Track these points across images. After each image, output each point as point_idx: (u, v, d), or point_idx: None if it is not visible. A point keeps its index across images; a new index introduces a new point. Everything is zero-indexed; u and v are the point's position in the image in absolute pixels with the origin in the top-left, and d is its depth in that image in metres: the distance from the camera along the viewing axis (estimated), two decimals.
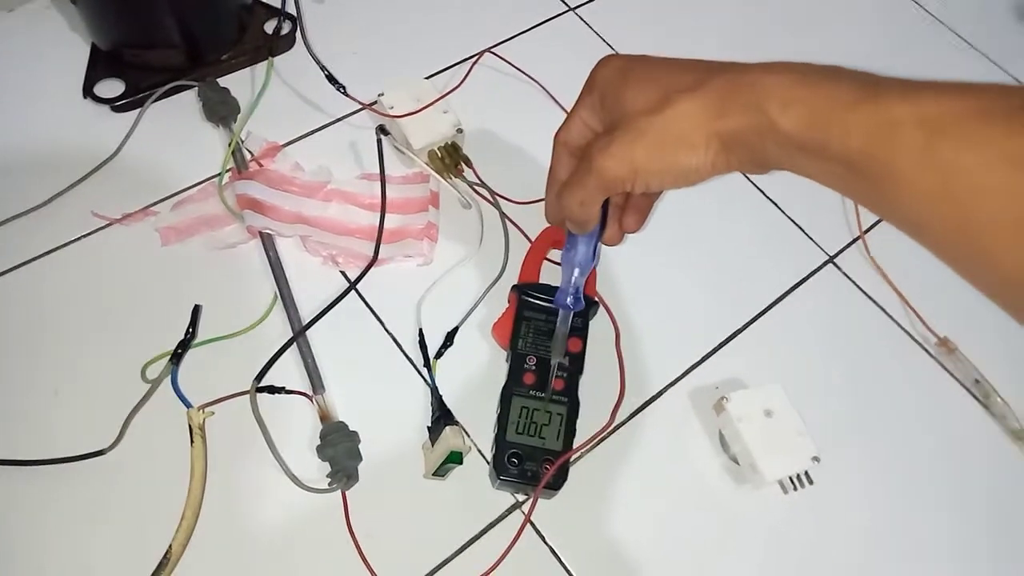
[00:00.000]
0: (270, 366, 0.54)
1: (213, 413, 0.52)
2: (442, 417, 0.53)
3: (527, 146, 0.69)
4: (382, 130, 0.62)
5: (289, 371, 0.55)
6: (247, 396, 0.53)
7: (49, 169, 0.62)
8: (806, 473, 0.54)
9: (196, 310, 0.56)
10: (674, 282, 0.64)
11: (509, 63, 0.74)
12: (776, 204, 0.70)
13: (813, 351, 0.63)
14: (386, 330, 0.59)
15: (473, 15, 0.78)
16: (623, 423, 0.57)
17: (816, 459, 0.53)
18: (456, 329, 0.59)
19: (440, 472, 0.51)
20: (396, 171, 0.65)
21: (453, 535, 0.51)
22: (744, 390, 0.56)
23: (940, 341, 0.63)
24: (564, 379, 0.55)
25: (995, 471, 0.59)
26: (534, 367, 0.55)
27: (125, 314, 0.57)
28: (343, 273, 0.61)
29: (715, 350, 0.61)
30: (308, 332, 0.57)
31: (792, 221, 0.69)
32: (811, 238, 0.68)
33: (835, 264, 0.67)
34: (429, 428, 0.53)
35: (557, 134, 0.44)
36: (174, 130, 0.66)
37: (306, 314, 0.57)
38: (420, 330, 0.58)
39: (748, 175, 0.71)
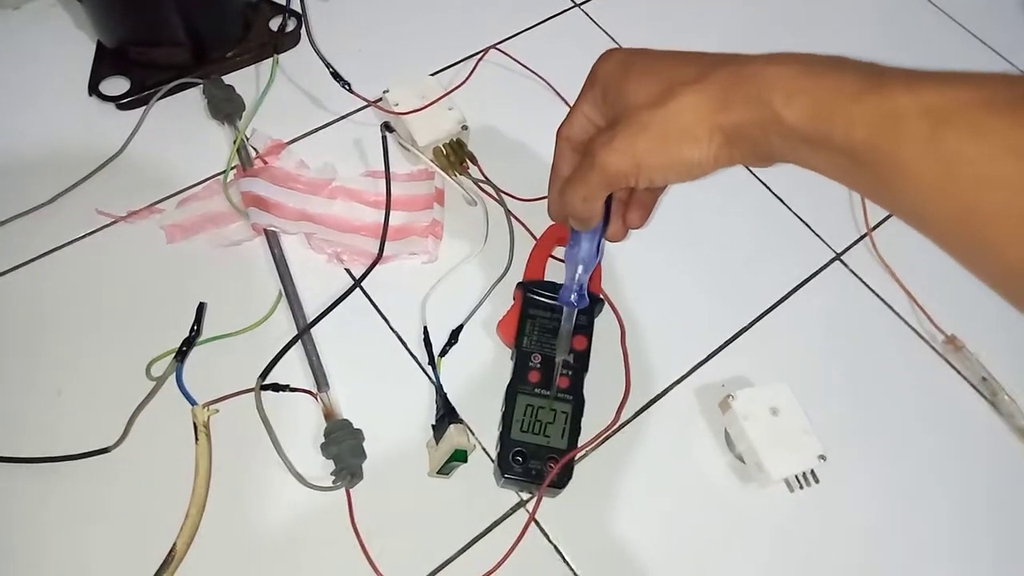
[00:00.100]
0: (274, 364, 0.54)
1: (218, 411, 0.52)
2: (446, 415, 0.52)
3: (532, 143, 0.69)
4: (387, 127, 0.62)
5: (293, 369, 0.55)
6: (252, 394, 0.53)
7: (54, 167, 0.62)
8: (812, 472, 0.53)
9: (201, 308, 0.56)
10: (680, 279, 0.64)
11: (514, 59, 0.74)
12: (783, 201, 0.70)
13: (820, 349, 0.62)
14: (391, 328, 0.59)
15: (478, 12, 0.78)
16: (628, 421, 0.57)
17: (822, 458, 0.53)
18: (461, 327, 0.58)
19: (444, 470, 0.51)
20: (401, 168, 0.64)
21: (457, 533, 0.51)
22: (750, 388, 0.55)
23: (947, 339, 0.63)
24: (569, 377, 0.54)
25: (1002, 469, 0.59)
26: (539, 365, 0.55)
27: (130, 312, 0.57)
28: (348, 271, 0.60)
29: (721, 348, 0.61)
30: (313, 330, 0.56)
31: (799, 218, 0.69)
32: (818, 235, 0.68)
33: (842, 261, 0.67)
34: (433, 426, 0.53)
35: (559, 129, 0.44)
36: (179, 128, 0.66)
37: (311, 311, 0.57)
38: (425, 328, 0.58)
39: (753, 171, 0.71)
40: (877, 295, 0.65)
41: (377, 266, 0.59)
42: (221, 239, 0.60)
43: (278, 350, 0.55)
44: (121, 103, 0.66)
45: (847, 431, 0.58)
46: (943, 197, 0.28)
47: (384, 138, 0.61)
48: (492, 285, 0.60)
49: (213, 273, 0.59)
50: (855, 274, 0.66)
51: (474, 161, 0.65)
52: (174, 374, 0.53)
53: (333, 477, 0.51)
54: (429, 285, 0.60)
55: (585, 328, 0.56)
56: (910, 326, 0.64)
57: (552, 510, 0.52)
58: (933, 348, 0.63)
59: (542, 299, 0.57)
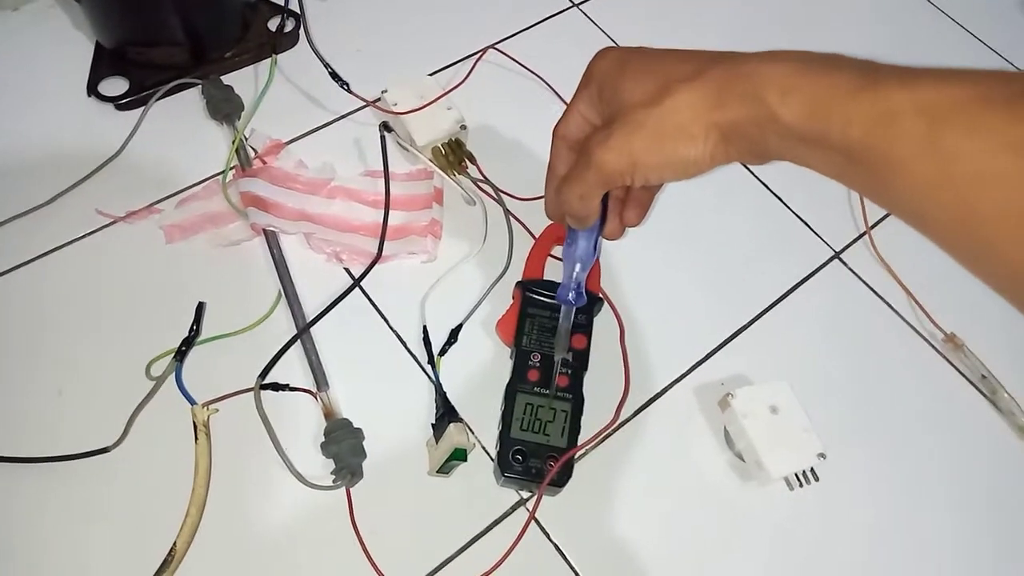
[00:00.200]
0: (274, 363, 0.54)
1: (217, 410, 0.52)
2: (446, 414, 0.52)
3: (531, 142, 0.69)
4: (386, 127, 0.62)
5: (293, 368, 0.55)
6: (251, 393, 0.53)
7: (53, 167, 0.62)
8: (812, 470, 0.54)
9: (200, 307, 0.56)
10: (679, 278, 0.64)
11: (513, 59, 0.74)
12: (781, 200, 0.70)
13: (819, 347, 0.62)
14: (390, 327, 0.59)
15: (476, 12, 0.78)
16: (628, 420, 0.57)
17: (822, 456, 0.53)
18: (460, 326, 0.58)
19: (444, 469, 0.51)
20: (400, 168, 0.64)
21: (457, 532, 0.51)
22: (749, 386, 0.55)
23: (947, 337, 0.63)
24: (568, 376, 0.54)
25: (1002, 467, 0.59)
26: (538, 364, 0.55)
27: (129, 312, 0.57)
28: (347, 270, 0.61)
29: (720, 346, 0.61)
30: (312, 329, 0.57)
31: (798, 217, 0.69)
32: (817, 234, 0.68)
33: (841, 260, 0.67)
34: (433, 425, 0.53)
35: (555, 128, 0.44)
36: (178, 128, 0.66)
37: (310, 311, 0.57)
38: (424, 327, 0.58)
39: (752, 170, 0.71)
40: (876, 293, 0.66)
41: (376, 266, 0.59)
42: (220, 239, 0.60)
43: (277, 350, 0.55)
44: (120, 103, 0.66)
45: (847, 429, 0.58)
46: (940, 195, 0.28)
47: (383, 138, 0.61)
48: (491, 284, 0.61)
49: (212, 273, 0.59)
50: (854, 272, 0.67)
51: (473, 161, 0.65)
52: (174, 374, 0.53)
53: (333, 476, 0.51)
54: (428, 284, 0.60)
55: (584, 327, 0.57)
56: (909, 324, 0.64)
57: (552, 509, 0.52)
58: (933, 346, 0.63)
59: (541, 298, 0.57)
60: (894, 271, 0.66)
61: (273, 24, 0.72)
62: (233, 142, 0.63)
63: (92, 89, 0.67)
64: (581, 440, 0.53)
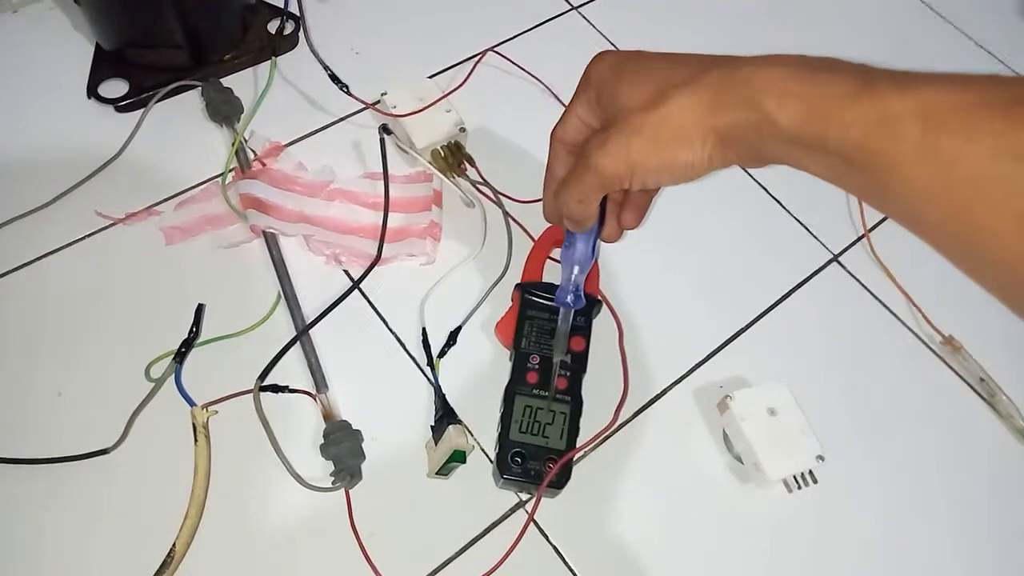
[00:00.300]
0: (273, 365, 0.54)
1: (217, 412, 0.52)
2: (445, 416, 0.53)
3: (530, 145, 0.69)
4: (385, 129, 0.62)
5: (292, 370, 0.55)
6: (251, 395, 0.53)
7: (53, 169, 0.62)
8: (810, 472, 0.54)
9: (200, 309, 0.56)
10: (678, 281, 0.64)
11: (512, 62, 0.74)
12: (780, 203, 0.70)
13: (817, 350, 0.62)
14: (389, 329, 0.59)
15: (476, 14, 0.78)
16: (626, 422, 0.57)
17: (820, 458, 0.53)
18: (459, 328, 0.59)
19: (443, 471, 0.51)
20: (399, 170, 0.65)
21: (456, 534, 0.51)
22: (748, 389, 0.55)
23: (945, 339, 0.63)
24: (567, 378, 0.54)
25: (1000, 470, 0.59)
26: (537, 366, 0.55)
27: (129, 313, 0.57)
28: (346, 272, 0.61)
29: (719, 349, 0.61)
30: (311, 331, 0.57)
31: (796, 220, 0.69)
32: (815, 236, 0.68)
33: (839, 263, 0.67)
34: (432, 427, 0.53)
35: (553, 131, 0.44)
36: (178, 130, 0.66)
37: (309, 313, 0.57)
38: (423, 329, 0.58)
39: (750, 173, 0.71)
40: (874, 296, 0.66)
41: (375, 268, 0.59)
42: (220, 241, 0.60)
43: (277, 351, 0.55)
44: (119, 105, 0.66)
45: (845, 432, 0.58)
46: (937, 199, 0.28)
47: (382, 140, 0.61)
48: (490, 286, 0.61)
49: (212, 275, 0.59)
50: (852, 275, 0.67)
51: (472, 163, 0.65)
52: (173, 375, 0.53)
53: (332, 478, 0.51)
54: (427, 286, 0.60)
55: (583, 329, 0.57)
56: (908, 327, 0.64)
57: (551, 511, 0.53)
58: (931, 349, 0.63)
59: (540, 300, 0.57)
60: (892, 274, 0.66)
61: (273, 26, 0.72)
62: (233, 144, 0.64)
63: (92, 91, 0.67)
64: (580, 442, 0.53)
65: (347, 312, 0.58)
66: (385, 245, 0.60)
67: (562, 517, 0.52)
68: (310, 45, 0.68)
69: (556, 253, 0.62)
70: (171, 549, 0.47)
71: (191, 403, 0.52)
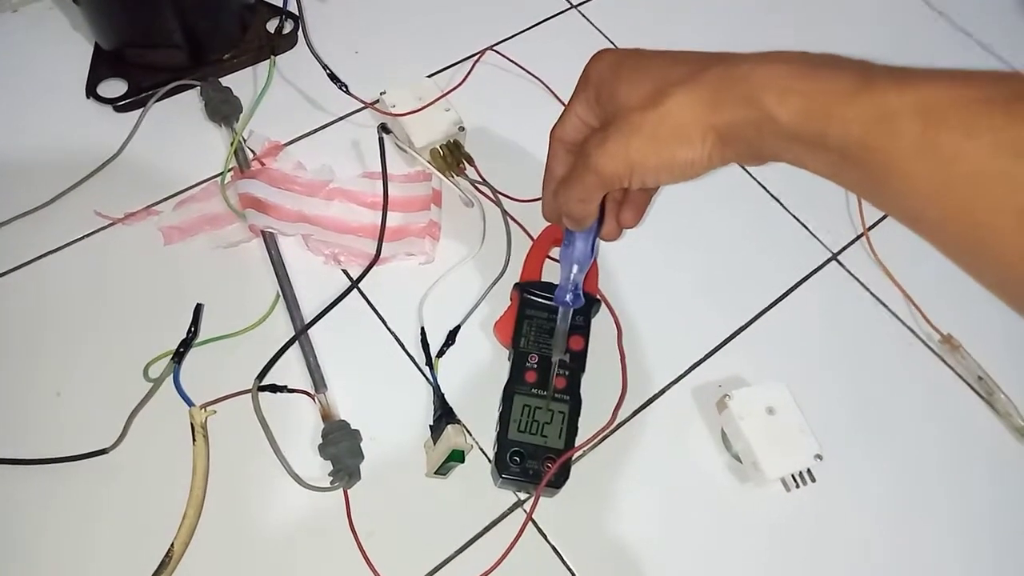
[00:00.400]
0: (272, 365, 0.54)
1: (215, 412, 0.52)
2: (444, 415, 0.53)
3: (529, 144, 0.69)
4: (384, 128, 0.62)
5: (291, 370, 0.55)
6: (249, 395, 0.53)
7: (52, 169, 0.62)
8: (808, 471, 0.54)
9: (198, 309, 0.56)
10: (677, 280, 0.64)
11: (511, 61, 0.74)
12: (779, 201, 0.70)
13: (816, 349, 0.62)
14: (388, 329, 0.59)
15: (475, 13, 0.78)
16: (625, 421, 0.57)
17: (819, 457, 0.53)
18: (458, 327, 0.59)
19: (442, 471, 0.51)
20: (398, 169, 0.65)
21: (455, 533, 0.51)
22: (747, 388, 0.55)
23: (944, 338, 0.63)
24: (566, 377, 0.55)
25: (999, 468, 0.59)
26: (536, 365, 0.55)
27: (127, 313, 0.57)
28: (345, 272, 0.61)
29: (717, 348, 0.61)
30: (310, 331, 0.57)
31: (795, 218, 0.69)
32: (814, 235, 0.68)
33: (838, 261, 0.67)
34: (431, 426, 0.53)
35: (553, 130, 0.44)
36: (176, 129, 0.66)
37: (308, 313, 0.57)
38: (422, 328, 0.58)
39: (750, 172, 0.71)
40: (873, 295, 0.66)
41: (374, 267, 0.59)
42: (219, 240, 0.60)
43: (276, 351, 0.55)
44: (118, 105, 0.66)
45: (844, 431, 0.58)
46: (937, 196, 0.28)
47: (381, 139, 0.61)
48: (489, 286, 0.61)
49: (211, 274, 0.59)
50: (851, 274, 0.67)
51: (471, 162, 0.65)
52: (172, 375, 0.53)
53: (331, 478, 0.51)
54: (426, 286, 0.60)
55: (582, 328, 0.57)
56: (906, 326, 0.64)
57: (550, 510, 0.53)
58: (929, 347, 0.63)
59: (539, 299, 0.57)
60: (891, 273, 0.66)
61: (272, 26, 0.72)
62: (232, 144, 0.63)
63: (91, 91, 0.67)
64: (578, 441, 0.53)
65: (346, 312, 0.58)
66: (384, 244, 0.60)
67: (561, 516, 0.53)
68: (309, 44, 0.68)
69: (555, 252, 0.62)
70: (169, 549, 0.47)
71: (189, 403, 0.52)
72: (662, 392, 0.59)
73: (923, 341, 0.64)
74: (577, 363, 0.55)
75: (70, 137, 0.64)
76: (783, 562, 0.53)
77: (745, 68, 0.33)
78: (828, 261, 0.67)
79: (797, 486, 0.54)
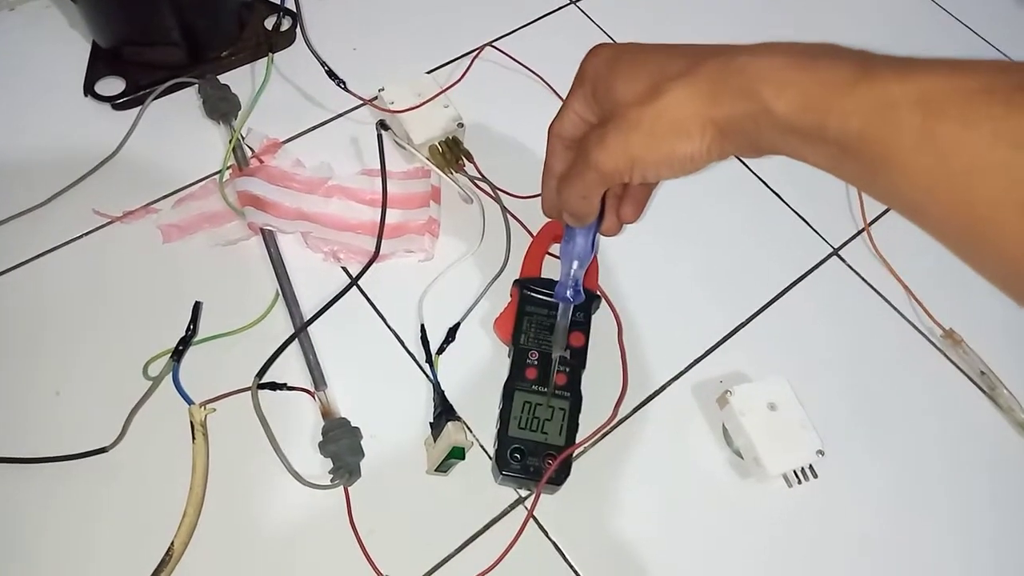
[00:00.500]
0: (272, 362, 0.54)
1: (215, 410, 0.52)
2: (444, 413, 0.52)
3: (528, 140, 0.69)
4: (383, 125, 0.62)
5: (291, 367, 0.55)
6: (249, 393, 0.53)
7: (50, 167, 0.62)
8: (810, 467, 0.53)
9: (197, 307, 0.56)
10: (677, 276, 0.64)
11: (510, 57, 0.74)
12: (780, 196, 0.70)
13: (817, 344, 0.62)
14: (388, 326, 0.58)
15: (473, 9, 0.78)
16: (626, 418, 0.57)
17: (820, 452, 0.53)
18: (458, 324, 0.58)
19: (442, 468, 0.51)
20: (397, 166, 0.64)
21: (456, 531, 0.51)
22: (748, 384, 0.55)
23: (946, 333, 0.63)
24: (566, 374, 0.54)
25: (1001, 463, 0.59)
26: (536, 362, 0.55)
27: (126, 312, 0.57)
28: (344, 269, 0.60)
29: (719, 344, 0.61)
30: (310, 328, 0.56)
31: (796, 213, 0.69)
32: (815, 230, 0.68)
33: (839, 256, 0.67)
34: (431, 424, 0.53)
35: (551, 126, 0.44)
36: (175, 127, 0.66)
37: (308, 310, 0.57)
38: (422, 325, 0.58)
39: (750, 167, 0.71)
40: (875, 290, 0.65)
41: (374, 264, 0.59)
42: (217, 238, 0.60)
43: (275, 349, 0.54)
44: (116, 103, 0.66)
45: (845, 426, 0.58)
46: (937, 188, 0.28)
47: (380, 136, 0.61)
48: (489, 282, 0.60)
49: (210, 272, 0.59)
50: (853, 269, 0.66)
51: (470, 159, 0.65)
52: (171, 373, 0.53)
53: (331, 475, 0.51)
54: (426, 283, 0.60)
55: (582, 325, 0.56)
56: (908, 321, 0.64)
57: (551, 507, 0.52)
58: (931, 342, 0.63)
59: (539, 296, 0.57)
60: (893, 267, 0.66)
61: (270, 23, 0.72)
62: (230, 141, 0.63)
63: (89, 89, 0.67)
64: (579, 438, 0.53)
65: (345, 309, 0.58)
66: (383, 241, 0.60)
67: (561, 513, 0.52)
68: (307, 41, 0.68)
69: (555, 248, 0.62)
70: (169, 547, 0.47)
71: (189, 401, 0.52)
72: (663, 388, 0.59)
73: (925, 336, 0.64)
74: (577, 359, 0.55)
75: (68, 136, 0.64)
76: (785, 558, 0.53)
77: (742, 60, 0.33)
78: (829, 256, 0.67)
79: (799, 482, 0.53)
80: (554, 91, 0.72)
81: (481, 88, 0.71)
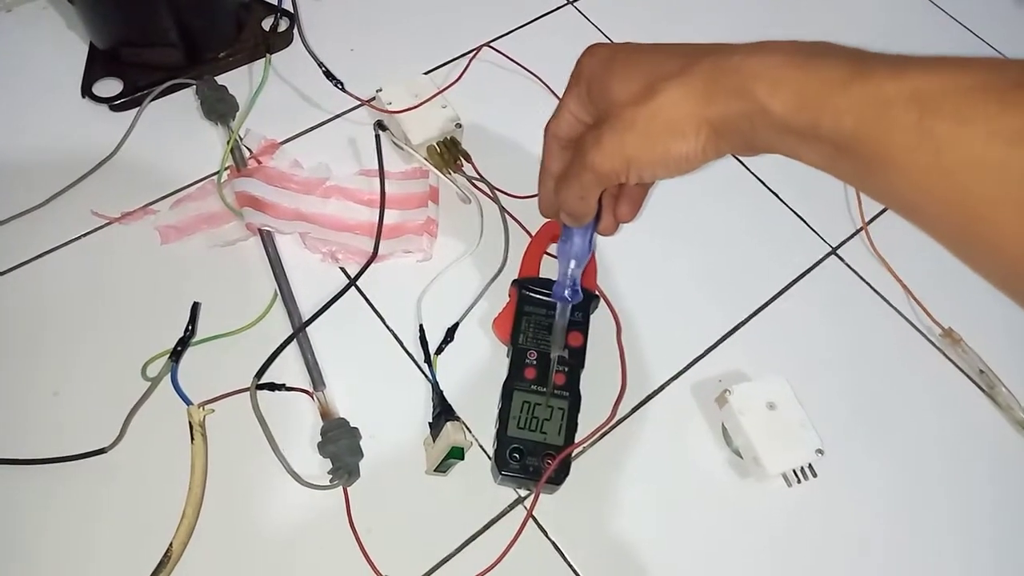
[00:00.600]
0: (270, 363, 0.54)
1: (213, 411, 0.52)
2: (443, 413, 0.52)
3: (526, 141, 0.69)
4: (380, 126, 0.62)
5: (290, 368, 0.55)
6: (247, 393, 0.53)
7: (48, 169, 0.62)
8: (810, 466, 0.53)
9: (195, 307, 0.56)
10: (676, 275, 0.64)
11: (508, 57, 0.74)
12: (778, 196, 0.70)
13: (816, 343, 0.62)
14: (386, 326, 0.58)
15: (471, 10, 0.78)
16: (625, 417, 0.57)
17: (820, 452, 0.53)
18: (457, 325, 0.58)
19: (442, 468, 0.51)
20: (395, 167, 0.64)
21: (455, 531, 0.51)
22: (747, 383, 0.55)
23: (945, 332, 0.63)
24: (565, 373, 0.54)
25: (1000, 462, 0.59)
26: (535, 362, 0.55)
27: (125, 312, 0.57)
28: (343, 269, 0.60)
29: (717, 343, 0.61)
30: (308, 329, 0.56)
31: (794, 212, 0.69)
32: (813, 229, 0.68)
33: (838, 255, 0.67)
34: (430, 424, 0.53)
35: (547, 126, 0.44)
36: (173, 128, 0.66)
37: (306, 311, 0.57)
38: (421, 326, 0.58)
39: (748, 166, 0.71)
40: (873, 289, 0.65)
41: (372, 265, 0.59)
42: (216, 239, 0.60)
43: (274, 349, 0.54)
44: (114, 104, 0.66)
45: (845, 425, 0.58)
46: (933, 185, 0.28)
47: (378, 137, 0.61)
48: (487, 283, 0.60)
49: (208, 273, 0.59)
50: (851, 268, 0.66)
51: (468, 159, 0.65)
52: (169, 374, 0.53)
53: (330, 476, 0.51)
54: (424, 283, 0.60)
55: (581, 324, 0.56)
56: (907, 320, 0.64)
57: (550, 507, 0.52)
58: (930, 341, 0.63)
59: (537, 296, 0.57)
60: (891, 267, 0.66)
61: (267, 24, 0.72)
62: (228, 142, 0.63)
63: (86, 90, 0.67)
64: (578, 438, 0.53)
65: (344, 310, 0.58)
66: (381, 242, 0.60)
67: (561, 513, 0.52)
68: (304, 42, 0.68)
69: (553, 248, 0.62)
70: (168, 548, 0.47)
71: (187, 402, 0.52)
72: (662, 388, 0.59)
73: (924, 335, 0.64)
74: (576, 359, 0.55)
75: (66, 137, 0.64)
76: (784, 557, 0.53)
77: (737, 59, 0.33)
78: (827, 255, 0.67)
79: (798, 481, 0.53)
80: (552, 91, 0.72)
81: (479, 88, 0.71)
